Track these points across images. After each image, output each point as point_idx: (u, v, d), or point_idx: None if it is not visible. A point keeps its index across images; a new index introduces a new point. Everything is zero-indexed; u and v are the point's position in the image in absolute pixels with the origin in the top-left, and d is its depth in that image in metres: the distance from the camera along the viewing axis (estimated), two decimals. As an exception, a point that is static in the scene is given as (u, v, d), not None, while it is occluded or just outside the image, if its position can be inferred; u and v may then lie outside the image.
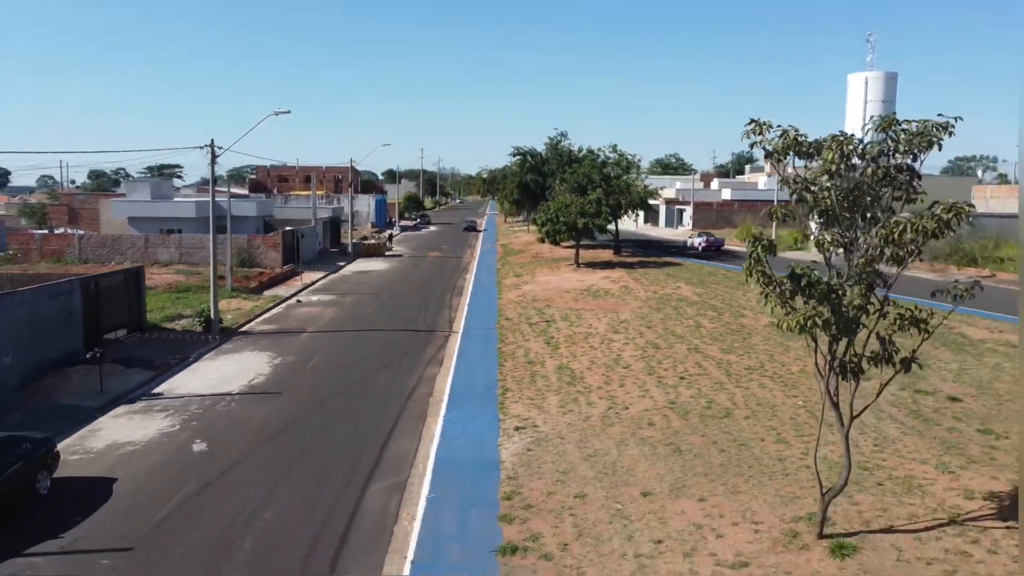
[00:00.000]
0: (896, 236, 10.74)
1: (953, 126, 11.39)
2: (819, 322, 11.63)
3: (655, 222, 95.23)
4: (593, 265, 53.77)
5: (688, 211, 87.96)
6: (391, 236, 78.69)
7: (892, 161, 11.39)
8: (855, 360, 12.40)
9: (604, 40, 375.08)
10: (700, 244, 65.52)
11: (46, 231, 59.25)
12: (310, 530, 14.63)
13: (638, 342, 29.22)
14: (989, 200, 77.07)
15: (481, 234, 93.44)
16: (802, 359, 25.64)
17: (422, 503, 15.75)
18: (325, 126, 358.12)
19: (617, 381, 23.92)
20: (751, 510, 14.59)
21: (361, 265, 59.77)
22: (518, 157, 67.26)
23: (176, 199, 60.87)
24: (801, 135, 12.25)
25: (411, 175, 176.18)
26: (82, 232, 54.06)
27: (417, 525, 14.74)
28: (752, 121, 12.63)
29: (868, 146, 11.44)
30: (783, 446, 17.87)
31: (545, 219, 52.09)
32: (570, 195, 52.18)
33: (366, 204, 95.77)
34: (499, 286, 46.93)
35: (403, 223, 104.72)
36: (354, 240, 67.32)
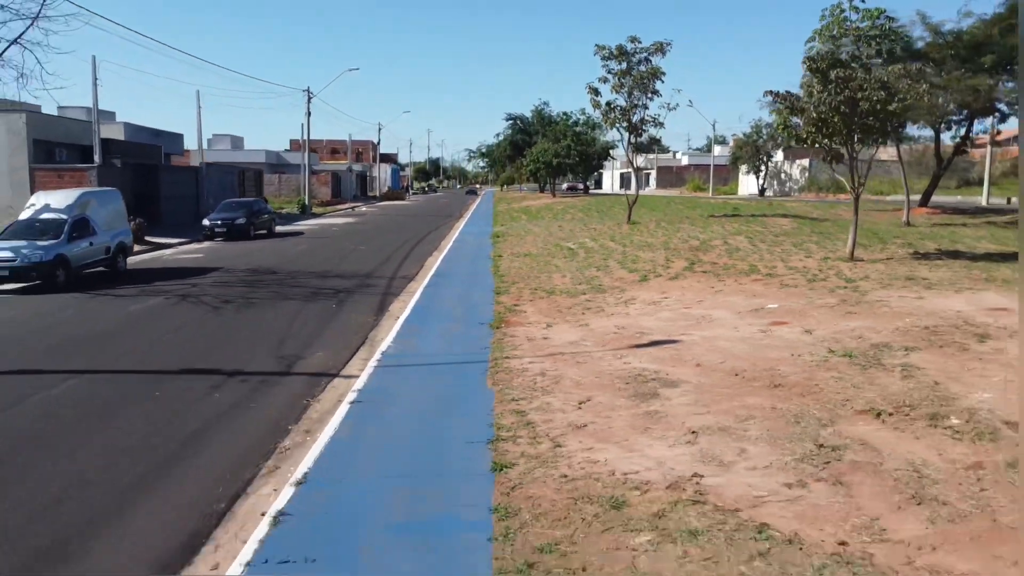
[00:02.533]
0: (638, 81, 28.27)
1: (669, 45, 28.86)
2: (618, 118, 29.17)
3: (628, 186, 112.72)
4: (565, 198, 71.41)
5: (653, 174, 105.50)
6: (408, 189, 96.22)
7: (642, 55, 28.89)
8: (637, 124, 30.00)
9: (595, 30, 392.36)
10: (567, 187, 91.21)
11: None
12: (394, 247, 32.13)
13: (578, 209, 46.88)
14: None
15: (480, 197, 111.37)
16: (660, 209, 43.12)
17: (454, 235, 33.26)
18: (342, 106, 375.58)
19: (559, 220, 41.55)
20: (603, 222, 32.22)
21: (389, 203, 77.40)
22: (510, 121, 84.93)
23: (248, 148, 78.28)
24: (617, 50, 29.62)
25: (415, 166, 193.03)
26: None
27: (453, 239, 32.21)
28: (598, 46, 29.99)
29: (637, 51, 28.94)
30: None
31: (529, 161, 69.75)
32: (548, 143, 69.73)
33: (384, 171, 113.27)
34: (494, 207, 64.47)
35: (413, 191, 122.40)
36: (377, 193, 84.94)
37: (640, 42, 28.49)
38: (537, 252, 23.67)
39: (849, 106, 15.00)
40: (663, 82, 28.94)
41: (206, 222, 30.32)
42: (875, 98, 14.92)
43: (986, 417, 6.85)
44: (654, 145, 29.26)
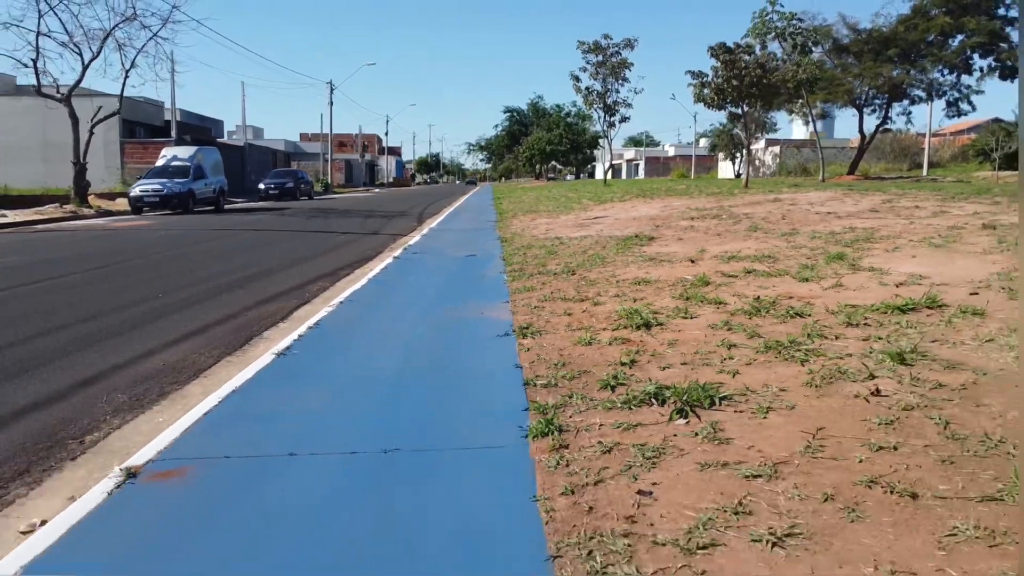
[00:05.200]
0: (611, 69, 35.21)
1: (636, 41, 35.89)
2: (595, 100, 36.19)
3: (618, 175, 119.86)
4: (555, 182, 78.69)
5: (641, 164, 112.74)
6: (412, 178, 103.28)
7: (614, 49, 35.88)
8: (611, 105, 37.03)
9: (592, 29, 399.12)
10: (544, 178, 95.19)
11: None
12: (416, 203, 39.13)
13: (568, 185, 53.95)
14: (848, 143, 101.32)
15: (479, 187, 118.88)
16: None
17: (462, 200, 40.28)
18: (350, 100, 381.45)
19: (550, 190, 48.63)
20: (586, 188, 39.22)
21: (397, 188, 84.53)
22: (507, 113, 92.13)
23: (267, 138, 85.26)
24: (594, 45, 36.61)
25: (417, 159, 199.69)
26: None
27: (461, 201, 39.22)
28: (579, 42, 37.01)
29: (610, 46, 35.94)
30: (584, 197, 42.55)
31: (525, 148, 76.87)
32: (542, 133, 76.86)
33: (390, 162, 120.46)
34: (494, 188, 71.64)
35: (417, 182, 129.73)
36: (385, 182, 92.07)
37: (612, 39, 35.60)
38: (530, 201, 30.70)
39: (738, 80, 22.00)
40: (631, 71, 36.06)
41: (261, 185, 37.34)
42: (754, 75, 21.96)
43: (741, 216, 13.93)
44: (625, 121, 36.15)
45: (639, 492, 2.62)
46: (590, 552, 2.25)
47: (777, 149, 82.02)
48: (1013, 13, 37.93)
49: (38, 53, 22.11)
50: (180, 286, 9.00)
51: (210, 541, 2.55)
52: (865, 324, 4.77)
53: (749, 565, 2.12)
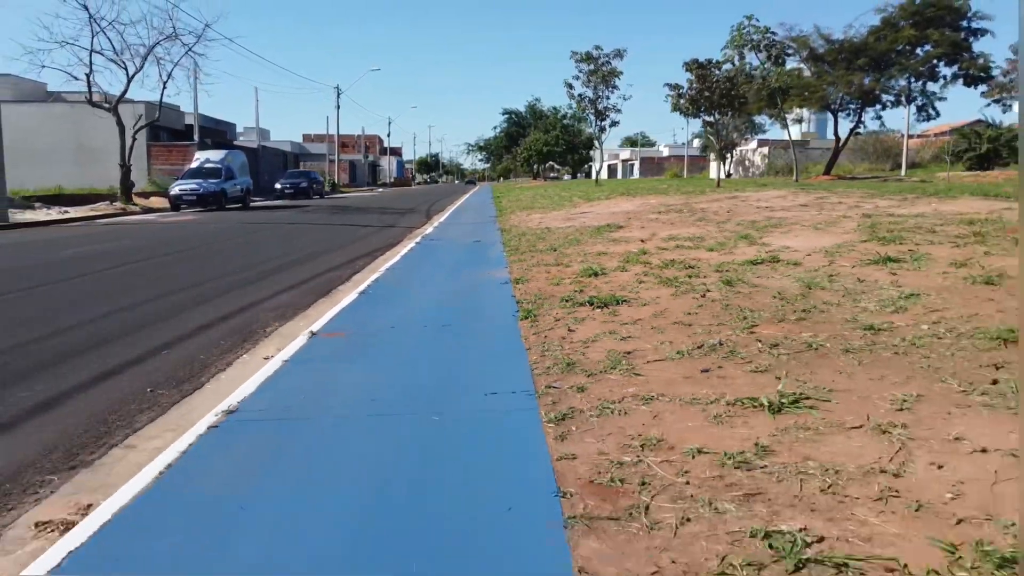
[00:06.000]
0: (602, 78, 38.09)
1: (624, 51, 38.79)
2: (587, 106, 39.08)
3: (614, 175, 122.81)
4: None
5: (636, 164, 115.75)
6: (412, 178, 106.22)
7: (604, 59, 38.74)
8: (602, 110, 39.94)
9: (589, 32, 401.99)
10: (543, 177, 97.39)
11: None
12: (421, 202, 42.00)
13: (563, 184, 56.84)
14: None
15: (478, 187, 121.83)
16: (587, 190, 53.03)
17: (464, 198, 43.13)
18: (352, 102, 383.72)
19: (546, 189, 51.48)
20: (578, 188, 42.12)
21: (399, 188, 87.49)
22: (506, 115, 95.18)
23: (273, 140, 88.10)
24: (586, 55, 39.49)
25: (417, 159, 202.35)
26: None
27: (463, 199, 42.06)
28: (572, 52, 39.90)
29: (601, 56, 38.82)
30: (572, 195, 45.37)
31: (523, 149, 79.85)
32: (539, 134, 79.82)
33: (391, 163, 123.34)
34: (493, 188, 74.54)
35: (417, 181, 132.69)
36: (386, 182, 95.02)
37: (603, 49, 38.54)
38: (527, 199, 33.60)
39: (710, 91, 24.93)
40: (620, 79, 38.97)
41: (278, 185, 40.23)
42: (723, 87, 24.90)
43: (698, 210, 16.84)
44: (615, 126, 39.05)
45: (568, 330, 5.55)
46: (543, 346, 5.16)
47: (766, 150, 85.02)
48: (976, 25, 41.00)
49: (91, 68, 25.04)
50: (256, 263, 11.92)
51: (366, 355, 5.46)
52: (726, 271, 7.68)
53: (608, 344, 5.03)
